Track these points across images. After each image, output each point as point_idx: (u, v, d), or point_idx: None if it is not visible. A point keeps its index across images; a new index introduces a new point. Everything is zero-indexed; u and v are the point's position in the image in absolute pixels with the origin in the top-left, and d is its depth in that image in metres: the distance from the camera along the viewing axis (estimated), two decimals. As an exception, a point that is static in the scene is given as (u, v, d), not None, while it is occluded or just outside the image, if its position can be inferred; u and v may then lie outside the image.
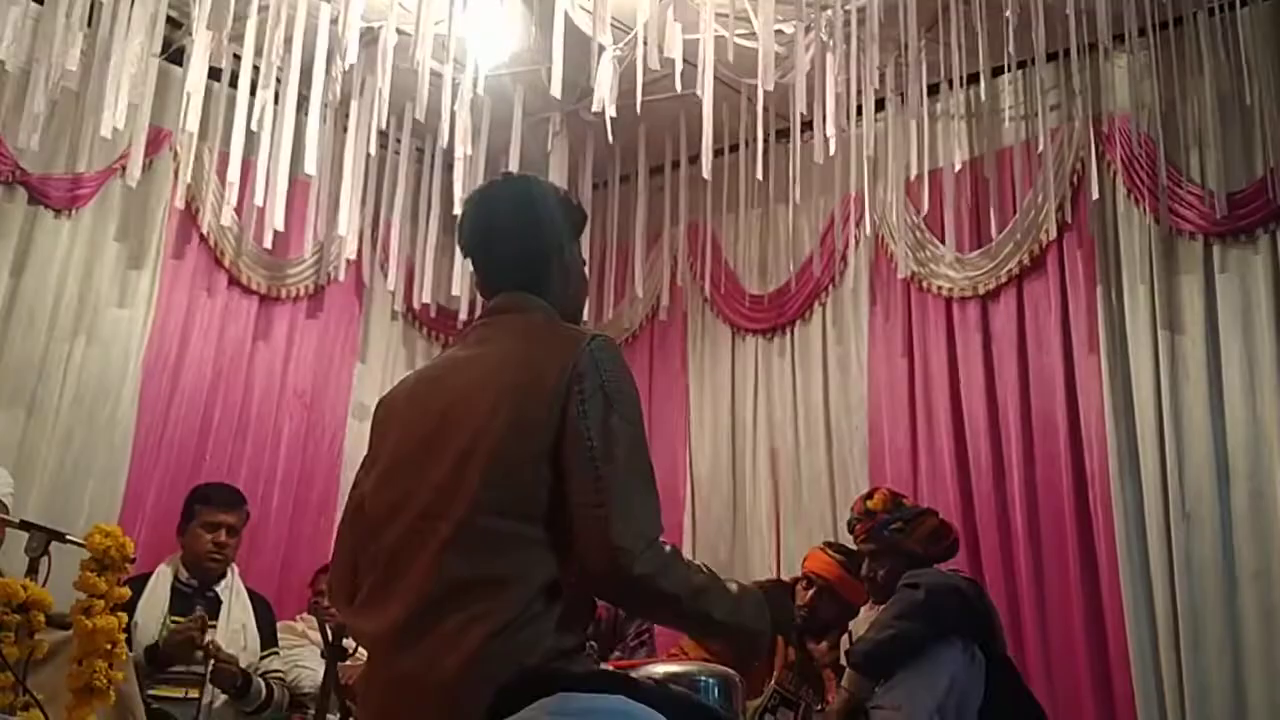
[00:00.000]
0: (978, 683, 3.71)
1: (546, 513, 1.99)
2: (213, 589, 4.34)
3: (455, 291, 5.65)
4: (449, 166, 5.32)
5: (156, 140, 5.19)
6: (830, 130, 4.66)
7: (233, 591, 4.38)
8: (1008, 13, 4.15)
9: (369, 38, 4.81)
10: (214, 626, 4.19)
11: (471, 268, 2.30)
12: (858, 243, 5.85)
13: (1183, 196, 4.96)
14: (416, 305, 6.06)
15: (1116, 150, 5.17)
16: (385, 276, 6.05)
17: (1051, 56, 4.90)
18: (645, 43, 4.43)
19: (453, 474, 2.00)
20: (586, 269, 2.47)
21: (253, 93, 4.68)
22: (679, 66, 4.43)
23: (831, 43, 4.61)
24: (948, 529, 4.10)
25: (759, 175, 5.06)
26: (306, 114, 4.73)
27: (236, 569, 4.46)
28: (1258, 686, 4.50)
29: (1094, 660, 4.88)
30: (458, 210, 5.11)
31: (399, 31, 4.73)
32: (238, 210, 5.39)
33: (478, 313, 5.40)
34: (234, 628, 4.30)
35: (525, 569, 1.96)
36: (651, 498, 2.03)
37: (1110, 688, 4.83)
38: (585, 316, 5.49)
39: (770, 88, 4.46)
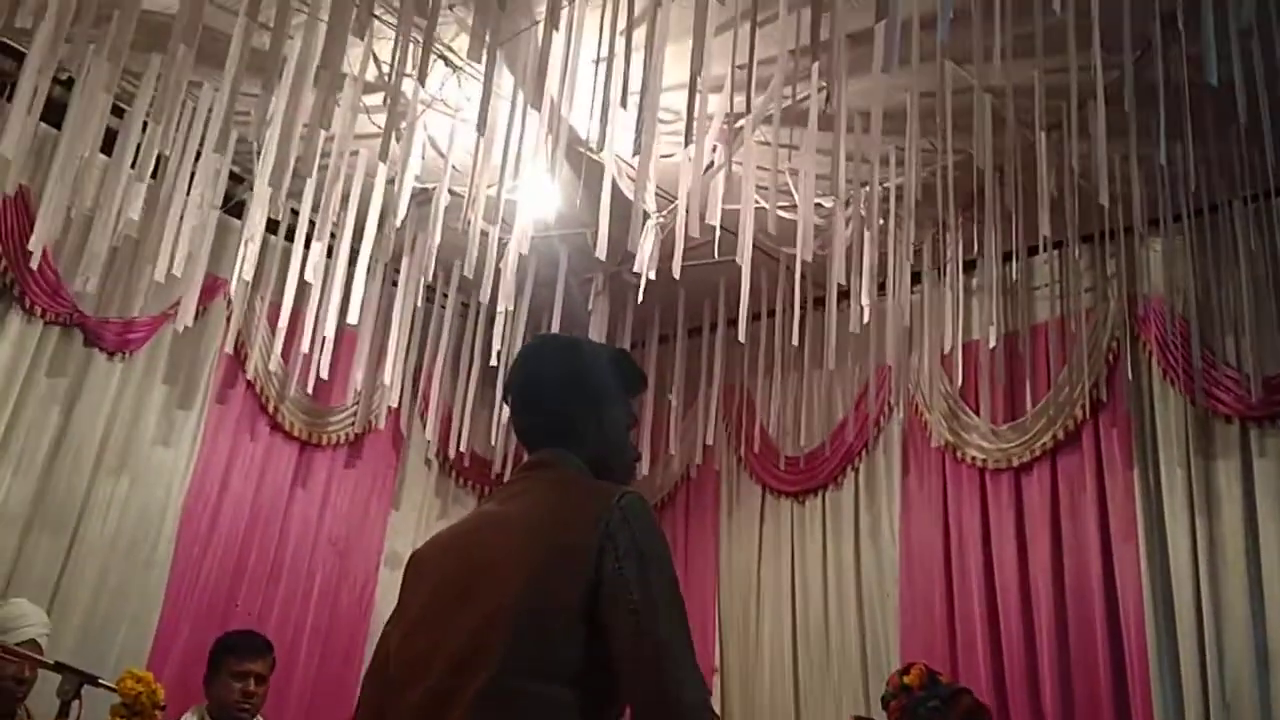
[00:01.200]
0: None
1: (576, 674, 1.98)
2: (240, 738, 4.30)
3: (491, 442, 5.71)
4: (491, 321, 5.43)
5: (212, 288, 5.35)
6: (866, 300, 4.74)
7: (260, 744, 4.34)
8: (1043, 195, 4.24)
9: (422, 197, 4.98)
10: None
11: (514, 419, 2.35)
12: (891, 410, 5.89)
13: (1218, 379, 4.98)
14: (452, 454, 6.12)
15: (1151, 331, 5.22)
16: (424, 426, 6.13)
17: (1086, 238, 5.00)
18: (687, 211, 4.55)
19: (481, 632, 2.01)
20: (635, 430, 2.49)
21: (307, 245, 4.82)
22: (718, 234, 4.55)
23: (869, 217, 4.73)
24: (984, 710, 4.03)
25: (794, 341, 5.12)
26: (356, 266, 4.86)
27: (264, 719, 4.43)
28: None
29: None
30: (494, 363, 5.24)
31: (451, 193, 4.89)
32: (284, 357, 5.51)
33: (512, 463, 5.45)
34: (255, 781, 4.25)
35: None
36: (694, 654, 2.04)
37: None
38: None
39: (809, 258, 4.56)
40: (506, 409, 2.38)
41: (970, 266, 5.21)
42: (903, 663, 4.61)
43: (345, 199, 4.69)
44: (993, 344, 5.19)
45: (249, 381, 5.60)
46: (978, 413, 5.57)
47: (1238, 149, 4.44)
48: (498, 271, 4.89)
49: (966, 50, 3.95)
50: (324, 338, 4.86)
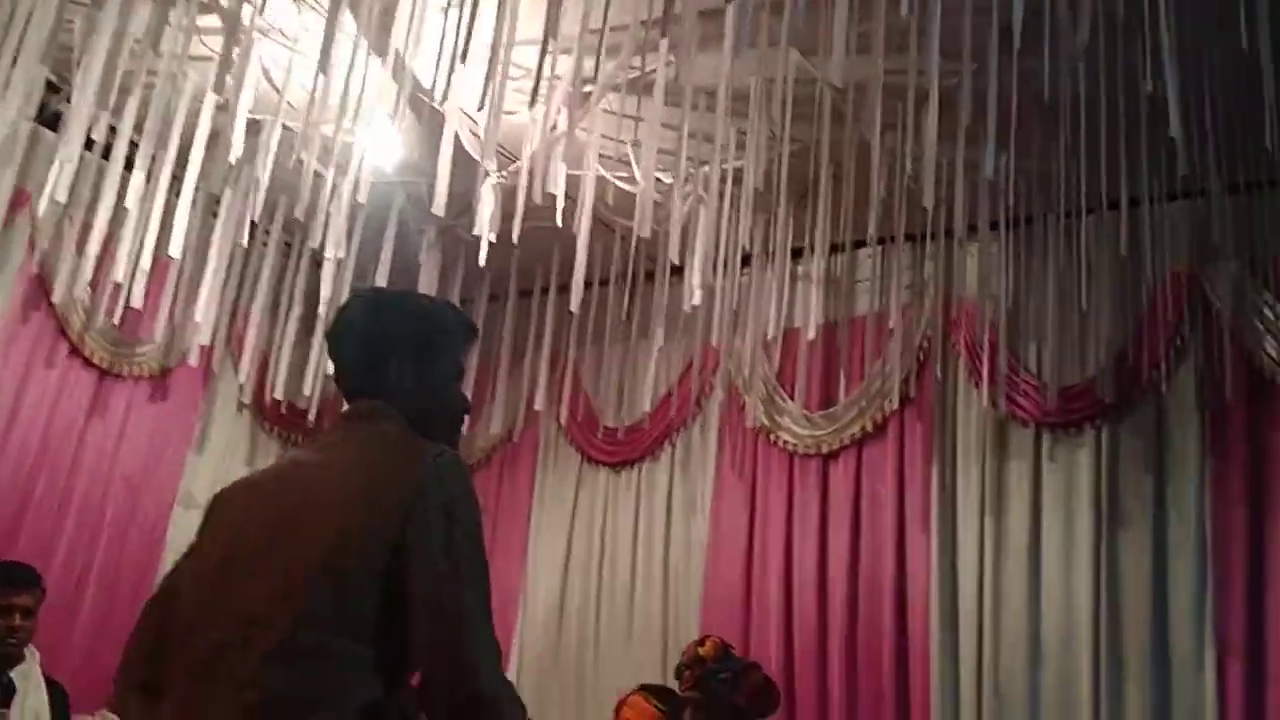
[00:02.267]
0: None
1: (374, 632, 1.95)
2: (7, 674, 4.09)
3: (306, 390, 5.56)
4: (317, 265, 5.28)
5: (18, 201, 5.04)
6: (697, 280, 4.79)
7: (30, 680, 4.13)
8: (873, 192, 4.36)
9: (253, 129, 4.79)
10: (5, 714, 3.94)
11: (336, 367, 2.28)
12: (712, 389, 5.99)
13: (1019, 385, 5.23)
14: (267, 400, 5.94)
15: (962, 333, 5.44)
16: (236, 368, 5.93)
17: (910, 237, 5.16)
18: (530, 173, 4.51)
19: (280, 583, 1.95)
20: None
21: (127, 168, 4.59)
22: (560, 201, 4.52)
23: (706, 198, 4.77)
24: (773, 686, 4.14)
25: (624, 314, 5.16)
26: (178, 195, 4.66)
27: (37, 654, 4.21)
28: None
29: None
30: (322, 310, 5.10)
31: (285, 128, 4.73)
32: (93, 284, 5.24)
33: (324, 413, 5.32)
34: (27, 718, 4.05)
35: (346, 689, 1.92)
36: (492, 622, 2.03)
37: None
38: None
39: (646, 233, 4.58)
40: (328, 359, 2.31)
41: (799, 254, 5.31)
42: (702, 635, 4.70)
43: (170, 122, 4.49)
44: (812, 334, 5.32)
45: (51, 304, 5.31)
46: (793, 398, 5.71)
47: (1058, 166, 4.64)
48: (328, 215, 4.76)
49: (813, 42, 4.01)
50: (137, 267, 4.64)
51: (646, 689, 4.41)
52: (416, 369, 2.24)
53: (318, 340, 5.26)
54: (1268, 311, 4.78)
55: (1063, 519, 5.06)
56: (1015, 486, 5.18)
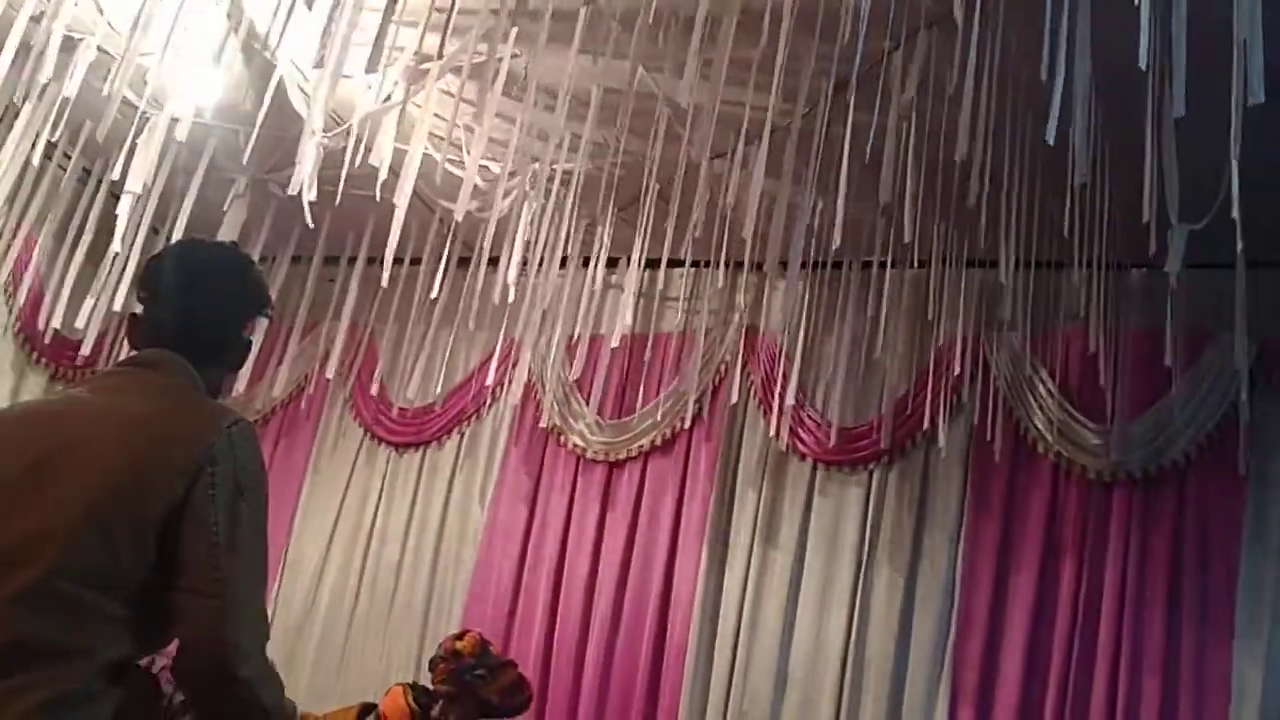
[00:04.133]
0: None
1: (136, 591, 1.88)
2: None
3: (81, 325, 5.27)
4: (115, 198, 5.02)
5: None
6: (512, 273, 4.78)
7: None
8: (695, 216, 4.44)
9: (68, 46, 4.52)
10: None
11: (142, 310, 2.19)
12: (510, 384, 5.97)
13: (803, 420, 5.41)
14: (40, 328, 5.61)
15: (759, 363, 5.60)
16: (14, 292, 5.58)
17: (725, 264, 5.26)
18: (358, 140, 4.41)
19: (46, 524, 1.86)
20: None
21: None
22: (383, 174, 4.44)
23: (531, 194, 4.77)
24: (525, 684, 4.16)
25: (432, 295, 5.10)
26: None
27: None
28: None
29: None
30: (115, 246, 4.86)
31: (100, 50, 4.48)
32: None
33: (103, 352, 5.05)
34: None
35: (94, 643, 1.84)
36: (263, 600, 1.98)
37: None
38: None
39: (460, 218, 4.53)
40: (121, 297, 2.22)
41: (614, 264, 5.36)
42: (462, 629, 4.69)
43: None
44: (616, 343, 5.38)
45: None
46: (588, 403, 5.75)
47: (871, 218, 4.83)
48: (134, 147, 4.53)
49: (659, 61, 4.07)
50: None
51: (413, 688, 4.35)
52: (235, 334, 2.20)
53: (104, 274, 5.02)
54: (1040, 386, 5.10)
55: (826, 553, 5.26)
56: (787, 516, 5.36)
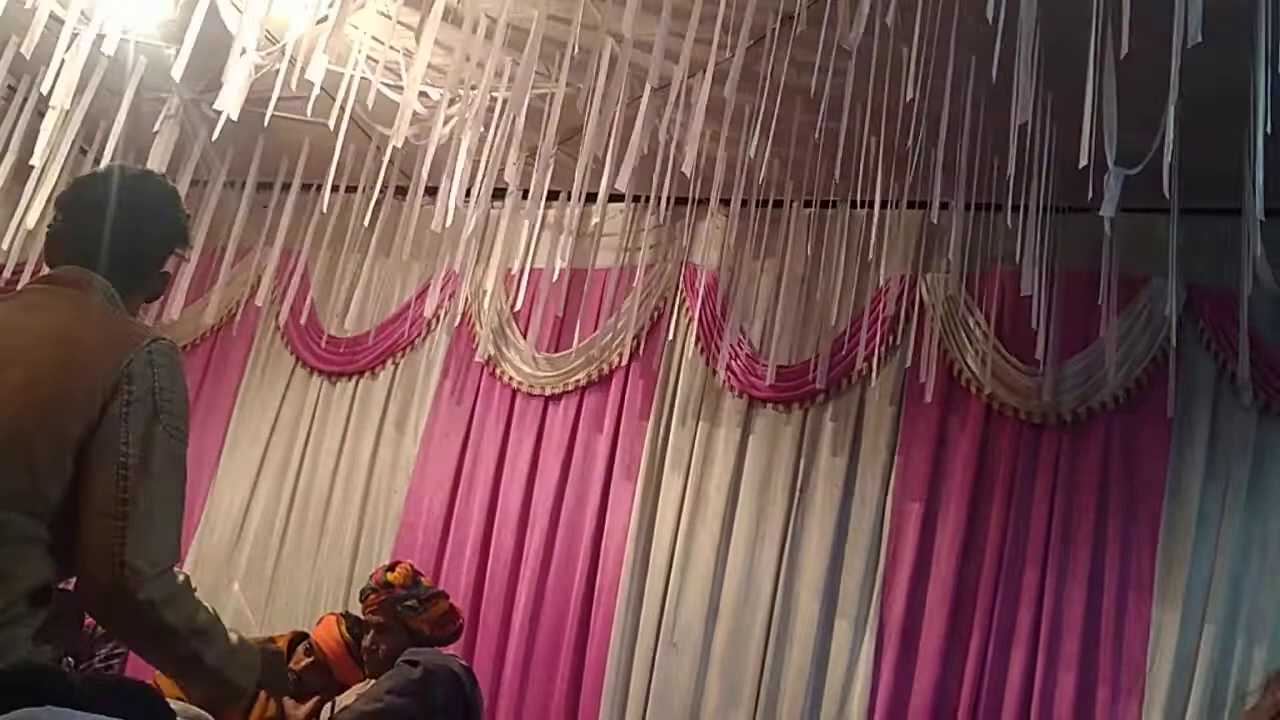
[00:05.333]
0: (448, 768, 3.77)
1: (53, 511, 1.84)
2: None
3: (4, 245, 5.13)
4: (40, 115, 4.87)
5: None
6: (451, 203, 4.71)
7: None
8: (634, 150, 4.39)
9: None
10: None
11: (61, 230, 2.13)
12: (445, 315, 5.92)
13: (740, 357, 5.43)
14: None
15: (697, 300, 5.59)
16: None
17: (665, 199, 5.22)
18: (292, 60, 4.30)
19: None
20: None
21: None
22: (315, 93, 4.34)
23: (470, 121, 4.69)
24: (456, 614, 4.16)
25: (365, 223, 5.02)
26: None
27: None
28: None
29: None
30: (34, 162, 4.72)
31: (26, -40, 4.32)
32: None
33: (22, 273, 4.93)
34: None
35: (13, 566, 1.81)
36: (176, 520, 1.95)
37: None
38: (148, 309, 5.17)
39: (400, 144, 4.45)
40: (55, 215, 2.16)
41: (554, 196, 5.31)
42: (393, 560, 4.68)
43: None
44: (555, 278, 5.35)
45: None
46: (525, 337, 5.72)
47: (811, 156, 4.81)
48: (61, 63, 4.38)
49: (604, -12, 4.00)
50: None
51: (345, 617, 4.35)
52: (158, 261, 2.17)
53: (27, 194, 4.88)
54: (974, 325, 5.14)
55: (758, 490, 5.30)
56: (721, 453, 5.39)
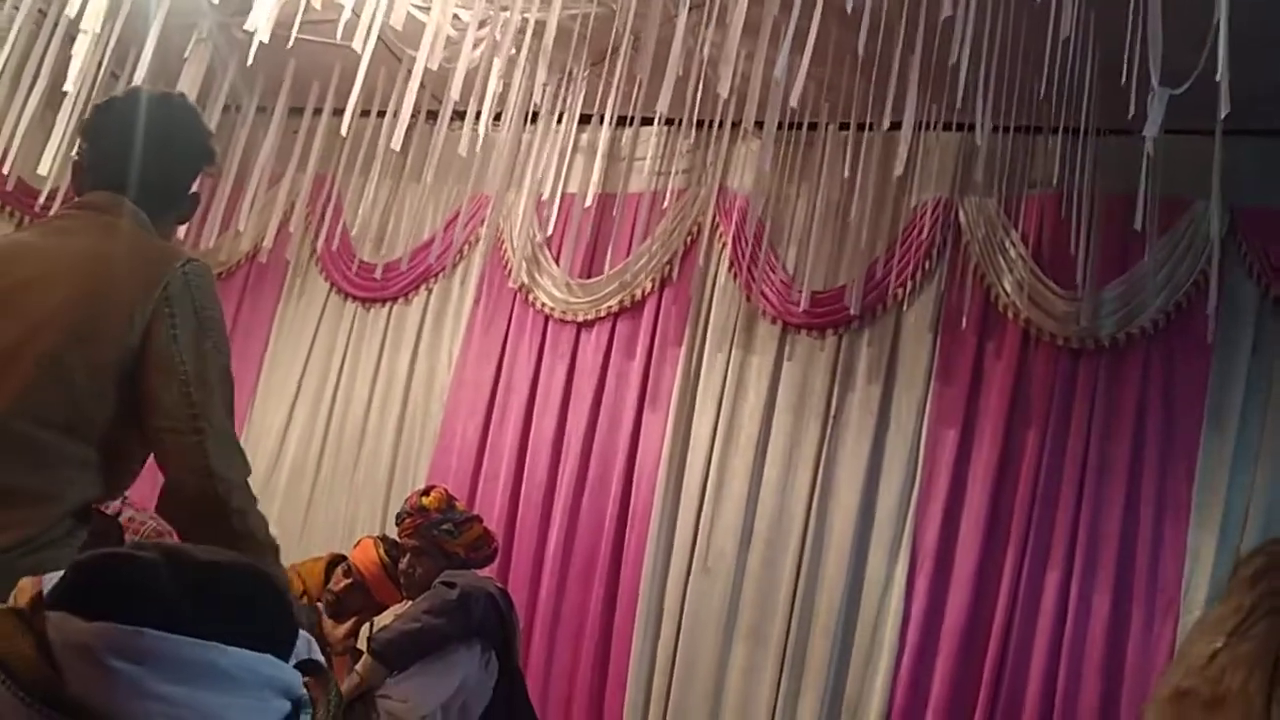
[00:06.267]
0: (486, 689, 3.82)
1: (100, 432, 1.87)
2: None
3: (42, 171, 5.14)
4: (71, 39, 4.85)
5: None
6: (481, 127, 4.68)
7: None
8: (671, 72, 4.33)
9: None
10: None
11: (87, 157, 2.13)
12: (478, 240, 5.91)
13: (774, 283, 5.39)
14: (7, 172, 5.47)
15: (730, 224, 5.54)
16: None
17: (698, 123, 5.16)
18: (318, -18, 4.25)
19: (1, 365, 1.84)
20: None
21: None
22: (345, 15, 4.30)
23: (502, 43, 4.63)
24: (491, 538, 4.20)
25: (396, 147, 4.98)
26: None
27: None
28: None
29: (593, 686, 5.18)
30: (69, 87, 4.71)
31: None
32: None
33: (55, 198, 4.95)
34: None
35: (60, 487, 1.84)
36: (235, 432, 2.01)
37: (601, 712, 5.14)
38: (182, 237, 5.18)
39: (434, 67, 4.41)
40: (76, 143, 2.17)
41: (586, 120, 5.25)
42: (428, 485, 4.72)
43: None
44: (588, 202, 5.31)
45: None
46: (558, 263, 5.70)
47: (846, 79, 4.73)
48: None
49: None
50: None
51: (383, 540, 4.39)
52: (171, 181, 2.16)
53: (63, 119, 4.88)
54: (1011, 250, 5.08)
55: (792, 416, 5.29)
56: (754, 380, 5.37)
